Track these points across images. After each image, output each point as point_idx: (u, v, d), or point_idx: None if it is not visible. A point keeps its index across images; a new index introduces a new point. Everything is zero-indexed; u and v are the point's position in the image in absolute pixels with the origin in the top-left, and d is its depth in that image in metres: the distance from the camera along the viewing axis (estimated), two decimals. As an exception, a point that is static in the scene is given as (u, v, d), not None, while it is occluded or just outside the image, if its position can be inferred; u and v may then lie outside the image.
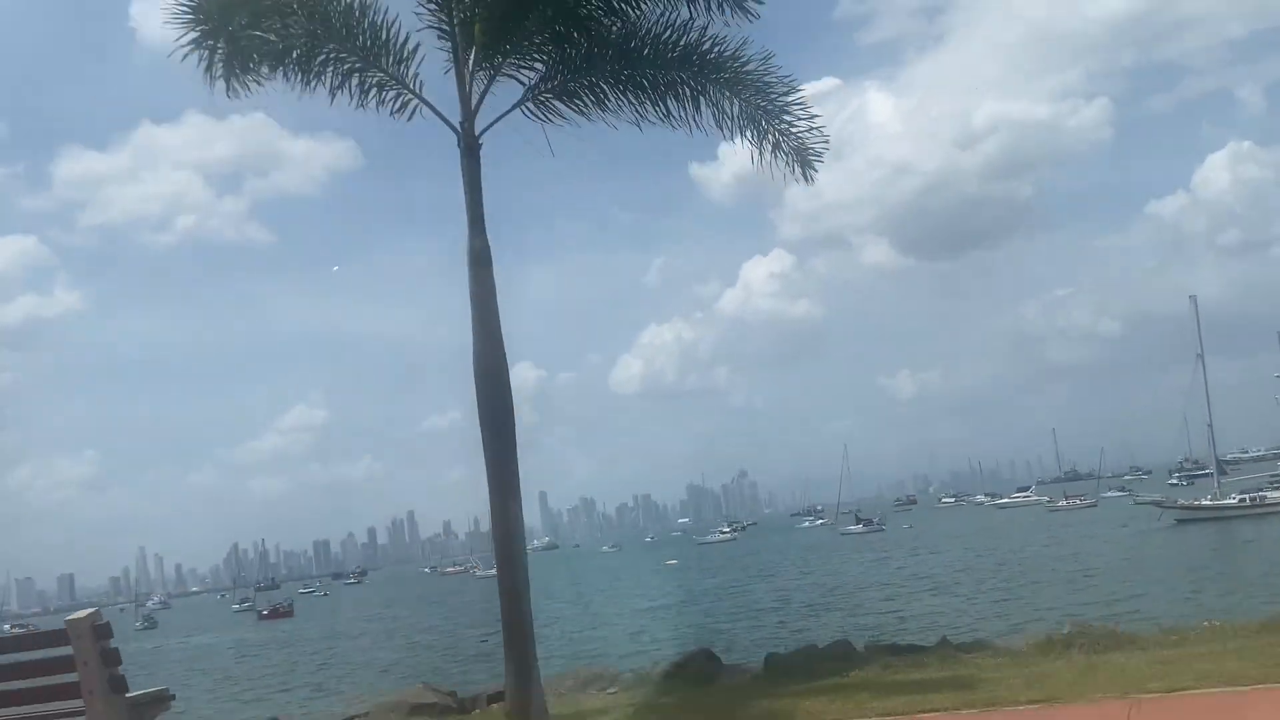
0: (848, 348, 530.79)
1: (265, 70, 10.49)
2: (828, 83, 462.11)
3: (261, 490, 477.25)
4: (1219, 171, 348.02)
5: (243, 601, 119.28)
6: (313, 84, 10.62)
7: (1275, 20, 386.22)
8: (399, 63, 10.63)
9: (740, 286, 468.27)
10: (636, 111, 11.10)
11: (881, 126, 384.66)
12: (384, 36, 10.54)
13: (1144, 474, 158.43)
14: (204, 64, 10.34)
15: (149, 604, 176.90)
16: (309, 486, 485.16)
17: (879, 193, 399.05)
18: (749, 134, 11.29)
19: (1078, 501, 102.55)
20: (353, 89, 10.73)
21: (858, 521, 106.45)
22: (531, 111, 11.00)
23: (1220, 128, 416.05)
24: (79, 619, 7.33)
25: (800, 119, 11.24)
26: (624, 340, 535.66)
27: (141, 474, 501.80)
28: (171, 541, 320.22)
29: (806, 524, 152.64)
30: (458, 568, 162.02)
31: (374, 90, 10.74)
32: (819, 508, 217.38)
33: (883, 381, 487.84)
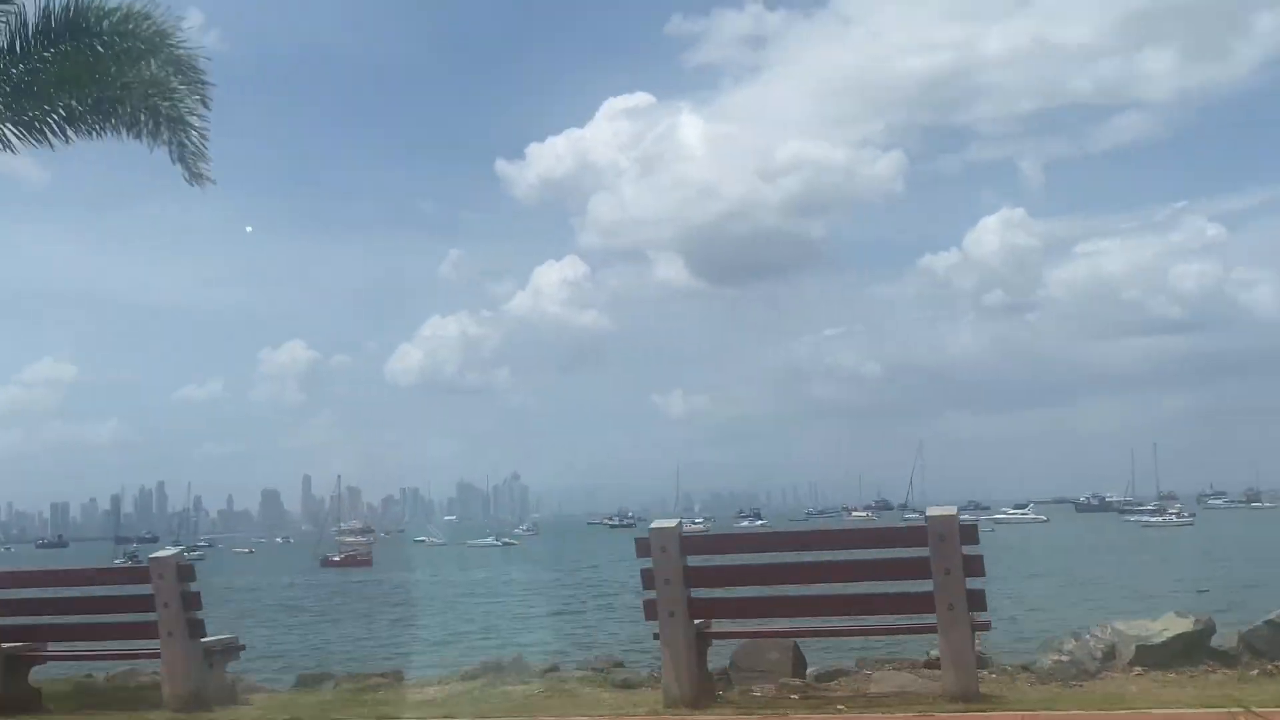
0: (629, 362, 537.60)
1: None
2: (641, 98, 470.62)
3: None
4: (989, 234, 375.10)
5: None
6: None
7: (1062, 100, 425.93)
8: None
9: (531, 289, 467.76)
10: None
11: (691, 148, 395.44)
12: None
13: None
14: None
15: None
16: (48, 445, 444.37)
17: (681, 212, 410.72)
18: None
19: None
20: None
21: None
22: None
23: (998, 194, 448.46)
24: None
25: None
26: (405, 329, 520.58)
27: None
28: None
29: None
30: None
31: None
32: (630, 513, 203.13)
33: (656, 399, 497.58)
